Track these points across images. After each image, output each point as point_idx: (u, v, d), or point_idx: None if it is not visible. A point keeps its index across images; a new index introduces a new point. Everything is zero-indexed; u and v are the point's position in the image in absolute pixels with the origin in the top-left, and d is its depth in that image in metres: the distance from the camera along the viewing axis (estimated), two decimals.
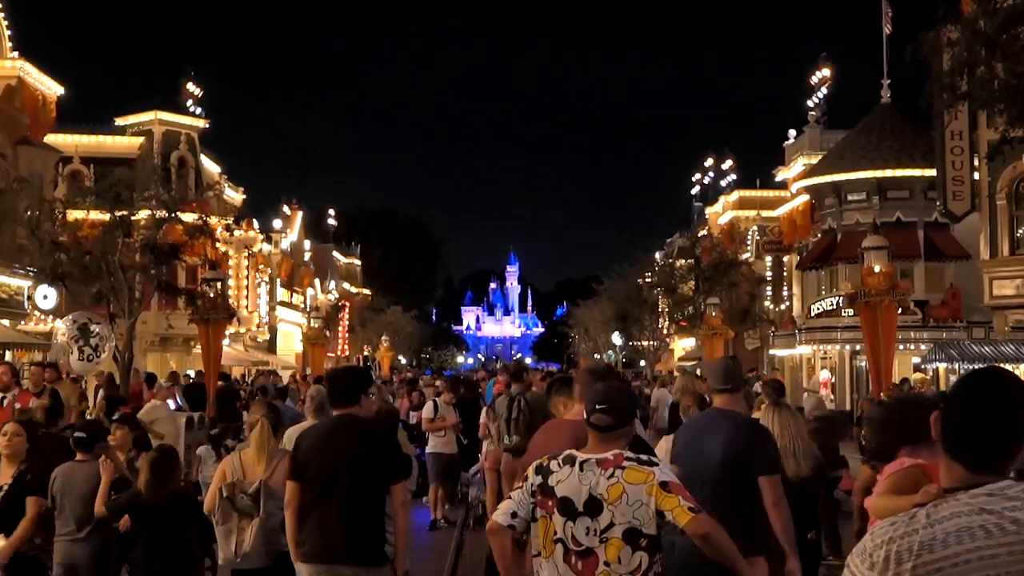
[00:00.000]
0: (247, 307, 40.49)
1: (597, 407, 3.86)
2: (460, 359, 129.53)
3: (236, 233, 31.79)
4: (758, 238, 43.20)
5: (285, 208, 53.54)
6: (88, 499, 6.43)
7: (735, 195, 48.40)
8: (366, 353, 59.45)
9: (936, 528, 2.10)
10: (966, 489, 2.15)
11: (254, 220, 42.79)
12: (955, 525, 2.09)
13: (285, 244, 49.85)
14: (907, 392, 16.87)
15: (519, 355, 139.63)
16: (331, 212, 69.56)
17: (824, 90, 39.52)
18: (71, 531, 6.45)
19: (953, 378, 23.40)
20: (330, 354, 44.85)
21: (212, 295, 18.85)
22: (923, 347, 27.12)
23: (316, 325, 35.66)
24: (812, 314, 33.13)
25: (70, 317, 16.65)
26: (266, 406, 6.73)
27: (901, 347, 23.01)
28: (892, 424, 3.98)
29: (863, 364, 27.64)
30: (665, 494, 3.62)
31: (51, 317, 25.89)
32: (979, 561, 2.05)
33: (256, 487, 5.97)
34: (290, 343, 49.51)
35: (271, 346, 46.16)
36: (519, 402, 9.83)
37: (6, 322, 24.15)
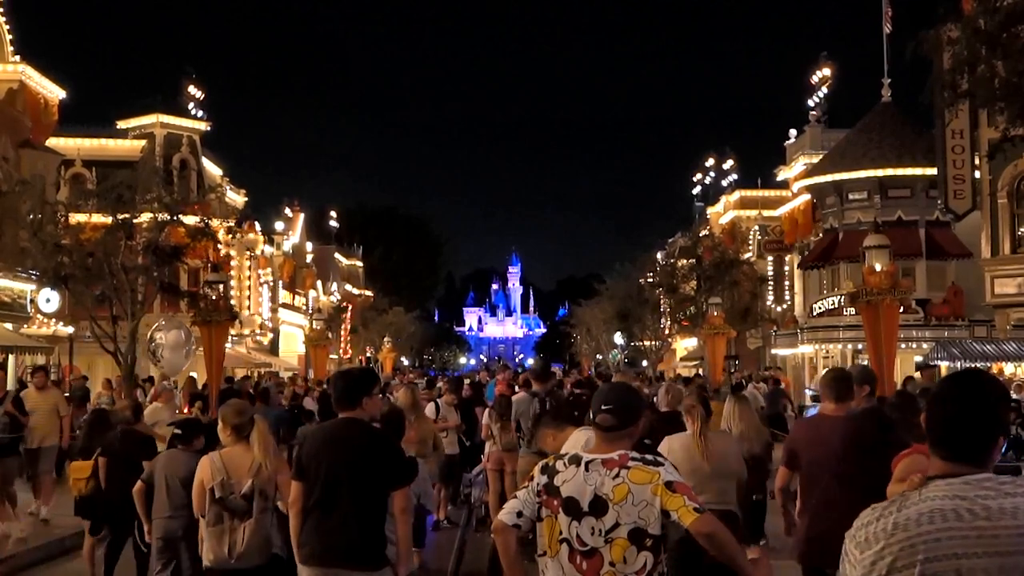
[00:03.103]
0: (249, 309, 40.53)
1: (602, 407, 3.86)
2: (463, 360, 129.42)
3: (238, 236, 31.81)
4: (759, 237, 43.19)
5: (287, 210, 53.54)
6: (185, 484, 7.04)
7: (736, 194, 48.41)
8: (368, 354, 59.41)
9: (910, 510, 2.31)
10: (944, 477, 2.35)
11: (256, 222, 42.81)
12: (928, 507, 2.29)
13: (287, 246, 49.87)
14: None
15: (521, 355, 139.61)
16: (332, 214, 69.53)
17: (824, 89, 39.54)
18: (169, 510, 7.26)
19: None
20: (332, 356, 44.84)
21: (214, 297, 18.86)
22: (925, 346, 27.09)
23: (318, 327, 35.67)
24: (814, 313, 33.13)
25: (173, 321, 17.69)
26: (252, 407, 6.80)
27: (903, 346, 23.01)
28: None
29: (865, 363, 27.61)
30: (670, 494, 3.62)
31: (53, 320, 25.95)
32: (949, 541, 2.24)
33: (250, 487, 5.96)
34: (292, 345, 49.51)
35: (273, 348, 46.16)
36: (548, 403, 9.81)
37: (9, 326, 24.17)
